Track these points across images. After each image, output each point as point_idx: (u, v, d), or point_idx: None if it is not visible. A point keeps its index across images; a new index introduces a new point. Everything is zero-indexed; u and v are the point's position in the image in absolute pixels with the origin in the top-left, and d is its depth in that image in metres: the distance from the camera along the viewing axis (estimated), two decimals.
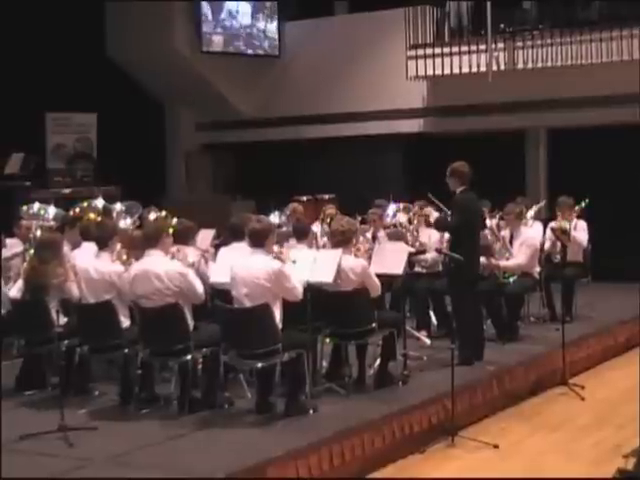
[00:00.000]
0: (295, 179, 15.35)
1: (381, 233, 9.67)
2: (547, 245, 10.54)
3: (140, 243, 7.63)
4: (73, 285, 7.73)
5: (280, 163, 15.98)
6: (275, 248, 7.24)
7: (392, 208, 10.07)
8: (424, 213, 9.42)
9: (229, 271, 7.19)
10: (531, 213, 10.84)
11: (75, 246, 8.60)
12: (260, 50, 16.58)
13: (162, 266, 7.18)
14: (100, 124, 14.99)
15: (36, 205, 9.43)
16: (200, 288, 7.28)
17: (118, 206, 9.57)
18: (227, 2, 16.26)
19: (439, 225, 8.91)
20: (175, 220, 8.36)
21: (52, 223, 9.16)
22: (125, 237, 8.21)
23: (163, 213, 9.24)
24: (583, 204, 10.59)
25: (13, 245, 9.19)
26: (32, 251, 8.22)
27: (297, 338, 7.11)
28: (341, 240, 7.75)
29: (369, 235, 9.47)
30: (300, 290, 7.11)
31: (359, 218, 9.47)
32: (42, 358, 7.94)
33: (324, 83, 15.93)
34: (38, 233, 8.77)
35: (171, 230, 7.77)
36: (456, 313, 8.62)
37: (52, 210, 9.35)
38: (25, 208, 9.39)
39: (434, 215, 9.01)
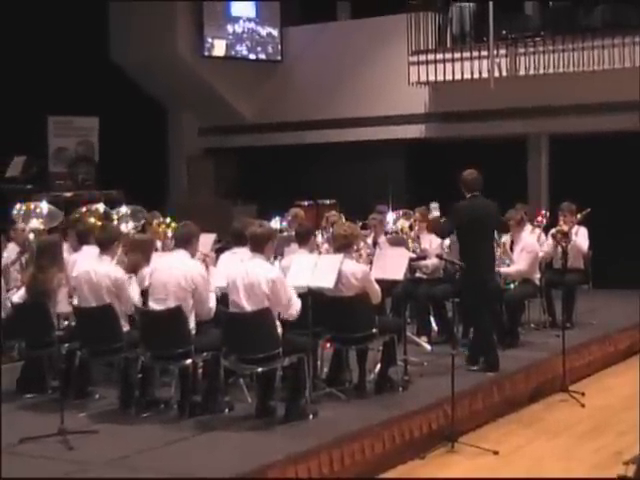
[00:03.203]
0: (297, 184, 15.35)
1: (382, 239, 9.67)
2: (547, 251, 10.49)
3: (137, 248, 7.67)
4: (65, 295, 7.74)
5: (282, 168, 15.99)
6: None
7: (391, 216, 10.09)
8: (429, 218, 9.47)
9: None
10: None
11: (75, 249, 8.59)
12: (263, 55, 16.61)
13: (186, 263, 7.24)
14: (102, 128, 14.99)
15: (21, 205, 9.33)
16: (212, 302, 7.33)
17: (123, 209, 9.50)
18: (230, 7, 16.29)
19: (433, 227, 9.00)
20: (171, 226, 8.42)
21: (42, 220, 9.02)
22: (126, 241, 8.21)
23: (167, 220, 9.23)
24: (585, 212, 10.59)
25: (11, 250, 9.15)
26: (28, 255, 8.17)
27: (298, 343, 7.10)
28: (343, 244, 7.74)
29: (370, 241, 9.48)
30: (297, 307, 7.08)
31: (360, 223, 9.48)
32: (43, 361, 7.94)
33: (326, 88, 15.94)
34: (31, 236, 8.70)
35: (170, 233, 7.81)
36: (475, 321, 8.70)
37: (45, 206, 9.24)
38: (17, 209, 9.25)
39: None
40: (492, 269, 8.91)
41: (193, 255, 7.42)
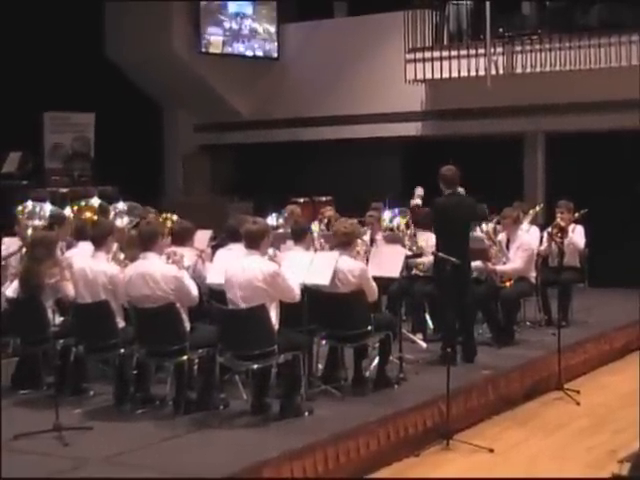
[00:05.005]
0: (293, 181, 15.35)
1: (379, 236, 9.67)
2: (543, 248, 10.50)
3: (136, 244, 7.62)
4: (68, 284, 7.70)
5: (278, 165, 15.99)
6: (270, 251, 7.21)
7: (388, 213, 10.07)
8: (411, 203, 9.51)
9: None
10: (528, 218, 10.85)
11: (68, 245, 8.58)
12: (259, 52, 16.61)
13: (158, 269, 7.17)
14: (98, 124, 14.99)
15: (30, 203, 9.35)
16: (194, 291, 7.25)
17: (120, 205, 9.48)
18: (226, 4, 16.27)
19: (412, 212, 9.09)
20: (172, 220, 8.36)
21: (44, 221, 9.05)
22: (122, 236, 8.19)
23: (163, 215, 9.19)
24: (582, 212, 10.60)
25: (11, 244, 9.14)
26: (25, 249, 8.17)
27: (293, 340, 7.09)
28: (344, 242, 7.74)
29: (367, 238, 9.47)
30: (297, 291, 7.10)
31: (355, 221, 9.46)
32: (38, 357, 7.92)
33: (323, 85, 15.94)
34: (29, 232, 8.70)
35: (167, 230, 7.77)
36: (466, 312, 8.83)
37: (48, 207, 9.25)
38: (20, 208, 9.29)
39: None
40: (467, 267, 8.89)
41: (160, 253, 7.33)
